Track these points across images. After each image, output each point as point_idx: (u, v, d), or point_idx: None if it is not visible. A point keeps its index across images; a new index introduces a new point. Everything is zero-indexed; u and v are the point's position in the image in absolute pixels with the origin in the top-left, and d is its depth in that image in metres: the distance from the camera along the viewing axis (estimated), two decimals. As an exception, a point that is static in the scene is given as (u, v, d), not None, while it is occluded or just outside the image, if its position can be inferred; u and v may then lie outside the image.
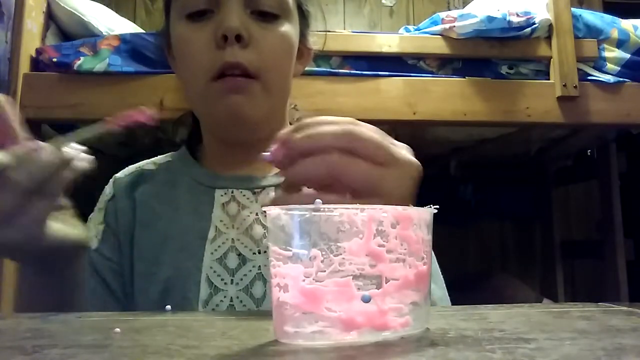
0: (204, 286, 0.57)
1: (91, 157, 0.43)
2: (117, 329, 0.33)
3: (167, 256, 0.59)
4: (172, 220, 0.61)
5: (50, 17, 1.28)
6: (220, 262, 0.59)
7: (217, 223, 0.61)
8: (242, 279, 0.58)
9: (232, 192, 0.63)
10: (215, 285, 0.58)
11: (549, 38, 1.30)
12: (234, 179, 0.64)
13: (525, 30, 1.27)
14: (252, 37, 0.59)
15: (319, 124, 0.38)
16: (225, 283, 0.58)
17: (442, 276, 0.65)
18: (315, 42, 0.72)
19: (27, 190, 0.39)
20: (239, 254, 0.59)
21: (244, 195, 0.63)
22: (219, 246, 0.60)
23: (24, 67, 1.18)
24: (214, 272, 0.58)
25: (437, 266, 0.65)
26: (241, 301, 0.57)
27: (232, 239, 0.60)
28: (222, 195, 0.63)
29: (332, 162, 0.36)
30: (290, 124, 0.71)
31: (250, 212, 0.62)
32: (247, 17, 0.59)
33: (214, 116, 0.62)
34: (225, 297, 0.57)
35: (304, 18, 0.67)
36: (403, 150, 0.40)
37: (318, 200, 0.33)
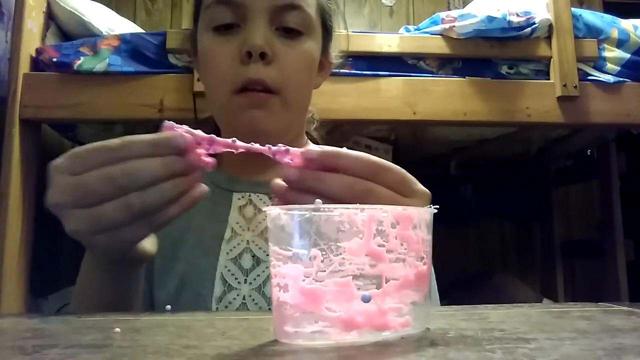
0: (218, 284, 0.60)
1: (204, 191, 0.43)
2: (117, 329, 0.33)
3: (183, 252, 0.62)
4: (189, 220, 0.63)
5: (50, 17, 1.28)
6: (235, 262, 0.62)
7: (234, 225, 0.64)
8: (255, 279, 0.61)
9: (250, 196, 0.65)
10: (229, 284, 0.60)
11: (549, 38, 1.30)
12: (251, 183, 0.66)
13: (525, 30, 1.27)
14: (276, 54, 0.60)
15: (348, 157, 0.40)
16: (239, 282, 0.61)
17: (436, 287, 0.67)
18: (336, 57, 0.73)
19: (137, 213, 0.39)
20: (253, 255, 0.62)
21: (261, 199, 0.65)
22: (234, 247, 0.62)
23: (24, 67, 1.18)
24: (229, 271, 0.61)
25: (434, 276, 0.65)
26: (253, 299, 0.60)
27: (248, 240, 0.63)
28: (239, 199, 0.65)
29: (356, 192, 0.39)
30: (307, 132, 0.74)
31: (266, 216, 0.62)
32: (271, 33, 0.61)
33: (235, 128, 0.64)
34: (238, 295, 0.60)
35: (326, 32, 0.69)
36: (419, 185, 0.43)
37: (318, 200, 0.33)
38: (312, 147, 0.40)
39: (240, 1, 0.60)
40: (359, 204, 0.38)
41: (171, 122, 0.41)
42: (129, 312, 0.45)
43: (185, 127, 0.41)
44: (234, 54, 0.60)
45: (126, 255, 0.46)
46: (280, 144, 0.41)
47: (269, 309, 0.58)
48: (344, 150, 0.40)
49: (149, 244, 0.49)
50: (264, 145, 0.41)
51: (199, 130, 0.41)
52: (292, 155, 0.40)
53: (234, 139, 0.41)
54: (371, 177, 0.40)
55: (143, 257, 0.49)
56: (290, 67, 0.61)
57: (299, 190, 0.40)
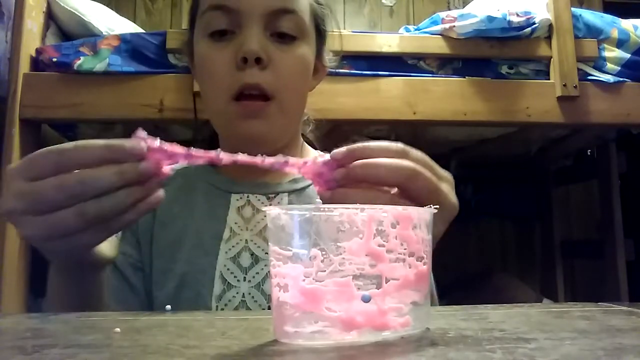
0: (218, 282, 0.61)
1: (160, 197, 0.42)
2: (117, 329, 0.33)
3: (183, 253, 0.63)
4: (188, 221, 0.65)
5: (50, 17, 1.28)
6: (234, 260, 0.63)
7: (232, 225, 0.64)
8: (254, 277, 0.62)
9: (248, 197, 0.66)
10: (228, 282, 0.61)
11: (549, 38, 1.30)
12: (249, 184, 0.67)
13: (525, 30, 1.27)
14: (271, 59, 0.61)
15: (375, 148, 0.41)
16: (238, 280, 0.62)
17: (434, 287, 0.67)
18: (330, 60, 0.75)
19: (91, 220, 0.39)
20: (252, 254, 0.63)
21: (259, 200, 0.66)
22: (233, 246, 0.63)
23: (24, 67, 1.18)
24: (228, 269, 0.62)
25: (431, 276, 0.66)
26: (253, 297, 0.61)
27: (246, 239, 0.64)
28: (237, 200, 0.66)
29: (405, 171, 0.40)
30: (303, 135, 0.75)
31: (264, 216, 0.64)
32: (266, 39, 0.62)
33: (232, 135, 0.65)
34: (237, 293, 0.61)
35: (320, 37, 0.70)
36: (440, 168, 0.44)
37: (318, 200, 0.33)
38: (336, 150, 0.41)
39: (235, 7, 0.61)
40: (404, 188, 0.40)
41: (143, 131, 0.40)
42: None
43: (158, 140, 0.40)
44: (230, 60, 0.61)
45: (84, 260, 0.46)
46: (280, 155, 0.41)
47: (269, 306, 0.60)
48: (367, 143, 0.41)
49: (107, 248, 0.49)
50: (256, 154, 0.41)
51: (174, 144, 0.40)
52: (294, 165, 0.40)
53: (219, 150, 0.41)
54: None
55: (101, 262, 0.49)
56: (285, 72, 0.62)
57: (345, 185, 0.40)
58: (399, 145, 0.41)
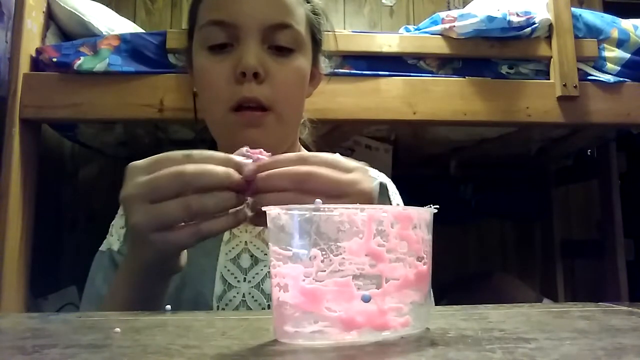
0: (218, 283, 0.63)
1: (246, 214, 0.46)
2: (117, 329, 0.33)
3: (184, 253, 0.63)
4: None
5: (50, 17, 1.28)
6: (234, 262, 0.64)
7: None
8: (254, 277, 0.63)
9: (247, 200, 0.67)
10: (228, 283, 0.63)
11: (549, 38, 1.30)
12: None
13: (525, 30, 1.27)
14: (268, 72, 0.63)
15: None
16: (238, 281, 0.63)
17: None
18: (327, 66, 0.77)
19: (193, 214, 0.43)
20: (252, 255, 0.65)
21: None
22: (232, 248, 0.65)
23: (24, 67, 1.18)
24: (228, 270, 0.64)
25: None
26: (253, 296, 0.62)
27: (245, 241, 0.66)
28: None
29: (298, 176, 0.43)
30: (300, 139, 0.77)
31: None
32: (263, 52, 0.64)
33: (232, 144, 0.67)
34: (238, 293, 0.63)
35: (316, 45, 0.72)
36: (353, 161, 0.47)
37: (318, 200, 0.33)
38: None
39: (233, 22, 0.63)
40: (305, 190, 0.43)
41: (245, 148, 0.47)
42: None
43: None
44: (229, 74, 0.63)
45: (169, 260, 0.49)
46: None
47: (268, 305, 0.61)
48: (277, 156, 0.46)
49: (182, 259, 0.52)
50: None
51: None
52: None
53: None
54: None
55: (176, 268, 0.51)
56: (282, 84, 0.64)
57: (255, 194, 0.44)
58: (297, 154, 0.46)
